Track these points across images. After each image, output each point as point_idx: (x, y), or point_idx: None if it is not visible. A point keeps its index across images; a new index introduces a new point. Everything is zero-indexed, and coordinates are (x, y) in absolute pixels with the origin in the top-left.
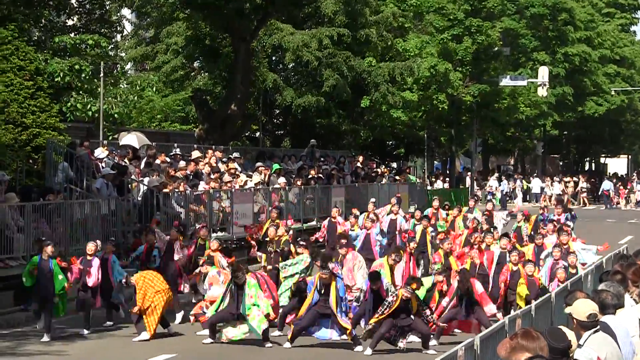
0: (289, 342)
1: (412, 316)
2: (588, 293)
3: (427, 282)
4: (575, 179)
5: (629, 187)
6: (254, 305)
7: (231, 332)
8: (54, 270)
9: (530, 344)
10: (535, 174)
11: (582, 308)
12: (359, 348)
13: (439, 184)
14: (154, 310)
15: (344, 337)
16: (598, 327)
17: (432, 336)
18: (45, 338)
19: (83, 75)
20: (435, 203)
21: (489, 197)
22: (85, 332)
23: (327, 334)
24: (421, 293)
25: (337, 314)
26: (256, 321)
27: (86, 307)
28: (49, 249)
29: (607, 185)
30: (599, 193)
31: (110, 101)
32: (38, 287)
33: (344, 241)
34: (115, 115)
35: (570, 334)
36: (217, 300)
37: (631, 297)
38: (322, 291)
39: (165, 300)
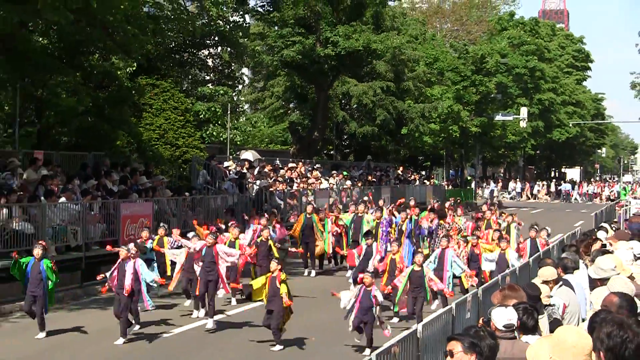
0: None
1: None
2: (554, 259)
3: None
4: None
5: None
6: None
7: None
8: (46, 273)
9: (516, 294)
10: (517, 179)
11: (548, 271)
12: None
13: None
14: None
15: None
16: (562, 282)
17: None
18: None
19: (218, 114)
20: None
21: (486, 195)
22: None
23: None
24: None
25: None
26: None
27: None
28: (38, 251)
29: (566, 186)
30: (560, 191)
31: (235, 132)
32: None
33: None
34: (238, 142)
35: (544, 288)
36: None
37: (584, 263)
38: None
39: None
